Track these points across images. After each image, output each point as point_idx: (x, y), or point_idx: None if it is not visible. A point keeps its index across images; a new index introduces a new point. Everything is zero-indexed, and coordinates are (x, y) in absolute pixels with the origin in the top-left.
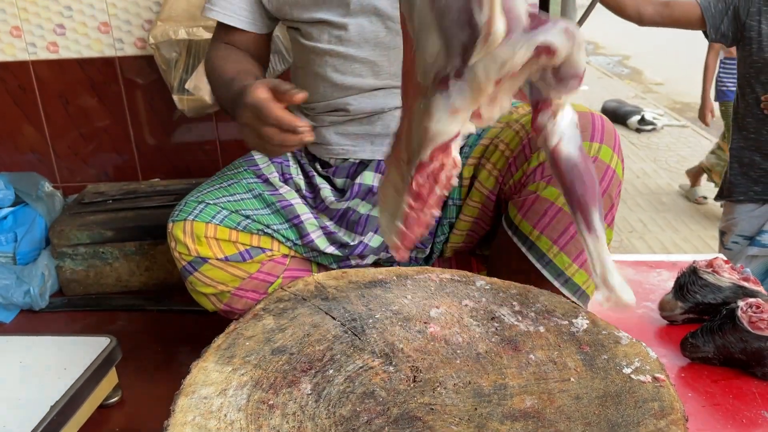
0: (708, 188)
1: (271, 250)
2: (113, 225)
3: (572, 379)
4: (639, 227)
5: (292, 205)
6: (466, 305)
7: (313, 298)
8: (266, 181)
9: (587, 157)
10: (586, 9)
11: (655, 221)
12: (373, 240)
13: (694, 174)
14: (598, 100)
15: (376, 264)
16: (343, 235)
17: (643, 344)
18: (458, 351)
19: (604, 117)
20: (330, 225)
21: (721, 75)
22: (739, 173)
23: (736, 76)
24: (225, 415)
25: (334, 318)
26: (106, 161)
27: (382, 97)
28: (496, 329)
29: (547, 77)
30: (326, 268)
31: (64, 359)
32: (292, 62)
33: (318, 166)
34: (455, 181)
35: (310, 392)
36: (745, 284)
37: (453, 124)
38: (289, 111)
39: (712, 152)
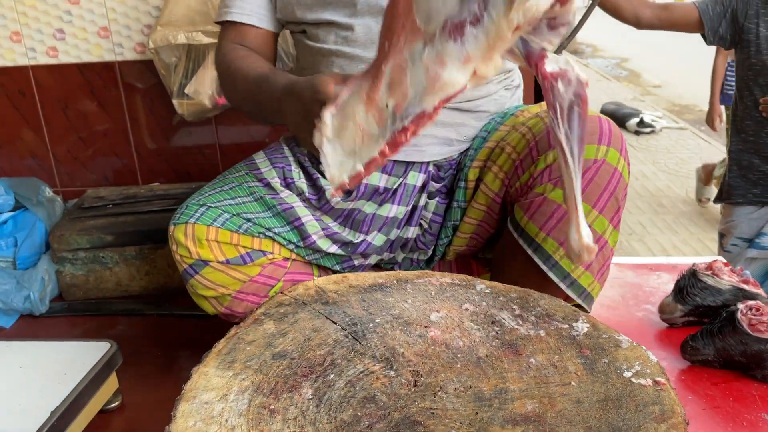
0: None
1: (272, 253)
2: (113, 229)
3: (573, 383)
4: (638, 229)
5: (292, 207)
6: (467, 309)
7: (314, 303)
8: (267, 185)
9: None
10: (584, 12)
11: (654, 223)
12: (377, 239)
13: (708, 171)
14: (596, 103)
15: (377, 266)
16: (346, 235)
17: (644, 348)
18: (459, 355)
19: (611, 121)
20: (333, 226)
21: (729, 79)
22: (738, 176)
23: None
24: (226, 420)
25: (334, 322)
26: (106, 166)
27: None
28: (497, 333)
29: (541, 28)
30: (328, 271)
31: (64, 364)
32: (297, 64)
33: (322, 167)
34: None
35: (311, 397)
36: (745, 287)
37: (464, 73)
38: None
39: (723, 161)
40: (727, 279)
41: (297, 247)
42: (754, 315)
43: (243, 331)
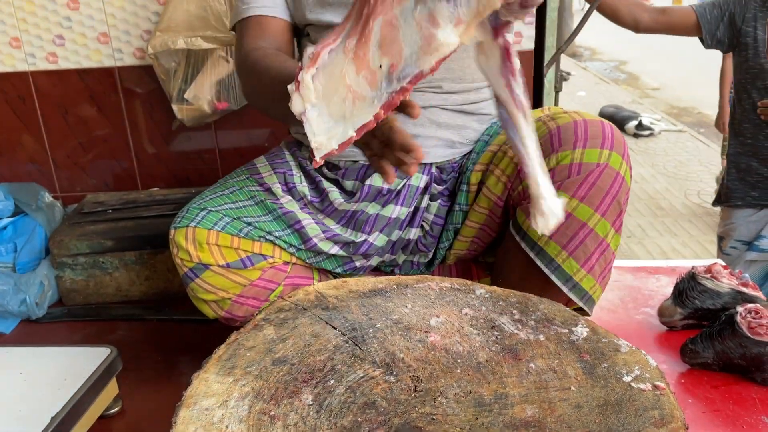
0: None
1: (272, 257)
2: (113, 235)
3: (572, 388)
4: (638, 232)
5: (292, 211)
6: (466, 314)
7: (314, 308)
8: (268, 189)
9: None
10: (583, 16)
11: (654, 226)
12: (379, 239)
13: None
14: (595, 106)
15: (377, 269)
16: (348, 235)
17: (643, 352)
18: (459, 360)
19: (614, 126)
20: (335, 228)
21: None
22: (736, 178)
23: None
24: (226, 427)
25: (334, 328)
26: (106, 171)
27: None
28: (497, 338)
29: (513, 4)
30: (328, 274)
31: (64, 370)
32: None
33: (325, 169)
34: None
35: (311, 403)
36: (744, 290)
37: (456, 35)
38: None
39: None
40: (726, 282)
41: (298, 250)
42: (754, 318)
43: (243, 336)
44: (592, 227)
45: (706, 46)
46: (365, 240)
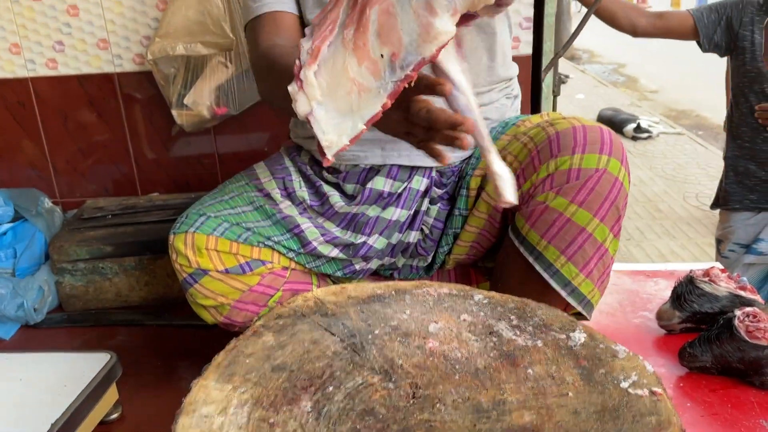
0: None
1: (271, 262)
2: (112, 240)
3: (570, 394)
4: (636, 235)
5: (291, 215)
6: (465, 320)
7: (313, 314)
8: (267, 195)
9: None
10: (581, 19)
11: (652, 229)
12: (378, 242)
13: None
14: (593, 109)
15: (376, 273)
16: (348, 237)
17: (640, 357)
18: (457, 366)
19: (612, 131)
20: (335, 231)
21: None
22: (734, 182)
23: None
24: None
25: (333, 334)
26: (106, 176)
27: None
28: (495, 344)
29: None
30: (327, 280)
31: (64, 376)
32: None
33: (326, 173)
34: None
35: (310, 410)
36: (742, 293)
37: (452, 24)
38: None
39: None
40: (724, 285)
41: (297, 254)
42: (752, 322)
43: (242, 343)
44: (591, 232)
45: (704, 50)
46: (365, 242)
